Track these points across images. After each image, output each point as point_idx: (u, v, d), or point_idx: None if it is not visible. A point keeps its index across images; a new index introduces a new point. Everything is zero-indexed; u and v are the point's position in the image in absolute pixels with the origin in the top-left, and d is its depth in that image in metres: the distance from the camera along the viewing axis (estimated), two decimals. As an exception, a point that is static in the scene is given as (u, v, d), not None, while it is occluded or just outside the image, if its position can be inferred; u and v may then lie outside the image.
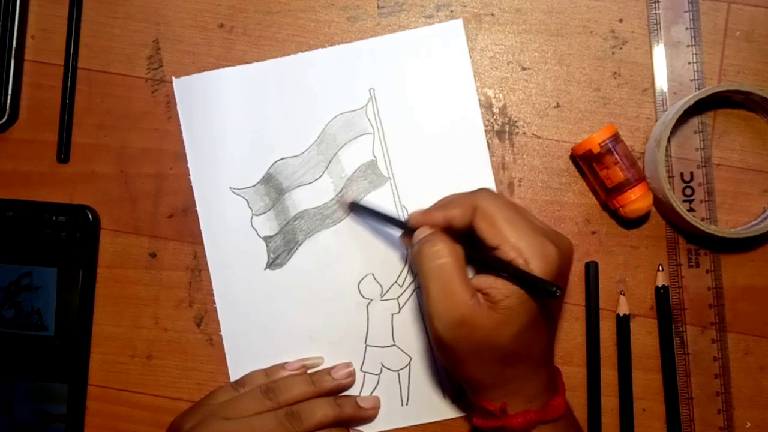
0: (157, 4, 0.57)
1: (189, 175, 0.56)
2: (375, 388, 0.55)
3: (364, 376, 0.55)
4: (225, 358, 0.55)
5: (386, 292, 0.56)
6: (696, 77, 0.56)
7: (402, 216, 0.55)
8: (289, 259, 0.56)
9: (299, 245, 0.56)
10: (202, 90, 0.56)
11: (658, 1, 0.56)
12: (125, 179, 0.56)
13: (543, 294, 0.44)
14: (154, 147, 0.56)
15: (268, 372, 0.54)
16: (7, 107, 0.55)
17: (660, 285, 0.55)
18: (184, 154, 0.56)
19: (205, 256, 0.56)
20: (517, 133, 0.56)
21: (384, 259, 0.55)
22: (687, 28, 0.56)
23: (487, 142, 0.56)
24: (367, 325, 0.55)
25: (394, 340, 0.55)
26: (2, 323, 0.55)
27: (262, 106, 0.56)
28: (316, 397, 0.52)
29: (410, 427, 0.55)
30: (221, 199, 0.56)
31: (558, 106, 0.56)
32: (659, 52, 0.56)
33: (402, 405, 0.55)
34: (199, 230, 0.56)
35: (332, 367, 0.54)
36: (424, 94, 0.56)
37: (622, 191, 0.53)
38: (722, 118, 0.56)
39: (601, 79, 0.56)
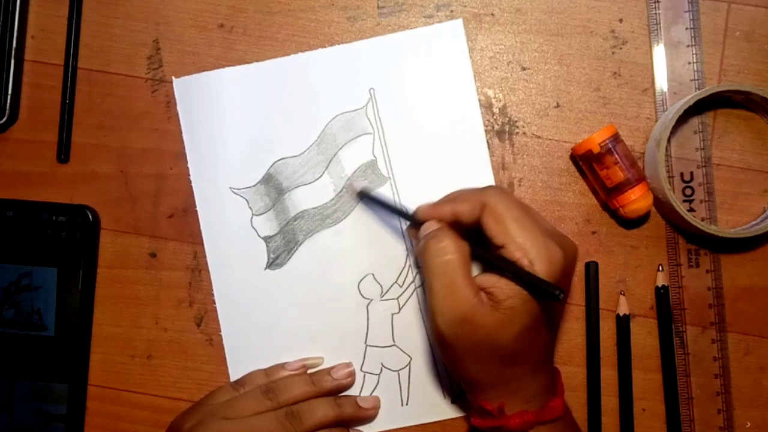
0: (157, 4, 0.57)
1: (189, 175, 0.56)
2: (375, 388, 0.55)
3: (364, 376, 0.55)
4: (225, 358, 0.55)
5: (386, 292, 0.56)
6: (696, 77, 0.55)
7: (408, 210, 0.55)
8: (289, 259, 0.56)
9: (299, 245, 0.56)
10: (202, 90, 0.56)
11: (658, 1, 0.56)
12: (125, 179, 0.56)
13: (546, 296, 0.44)
14: (154, 147, 0.56)
15: (268, 372, 0.54)
16: (7, 107, 0.55)
17: (660, 285, 0.55)
18: (184, 154, 0.56)
19: (205, 256, 0.56)
20: (517, 133, 0.56)
21: (384, 259, 0.55)
22: (687, 28, 0.56)
23: (487, 142, 0.56)
24: (367, 325, 0.55)
25: (394, 340, 0.55)
26: (2, 323, 0.55)
27: (262, 106, 0.56)
28: (316, 397, 0.52)
29: (410, 427, 0.55)
30: (221, 199, 0.56)
31: (558, 106, 0.56)
32: (659, 52, 0.56)
33: (402, 405, 0.55)
34: (199, 230, 0.56)
35: (332, 367, 0.54)
36: (424, 94, 0.56)
37: (622, 191, 0.53)
38: (722, 118, 0.56)
39: (601, 79, 0.56)
